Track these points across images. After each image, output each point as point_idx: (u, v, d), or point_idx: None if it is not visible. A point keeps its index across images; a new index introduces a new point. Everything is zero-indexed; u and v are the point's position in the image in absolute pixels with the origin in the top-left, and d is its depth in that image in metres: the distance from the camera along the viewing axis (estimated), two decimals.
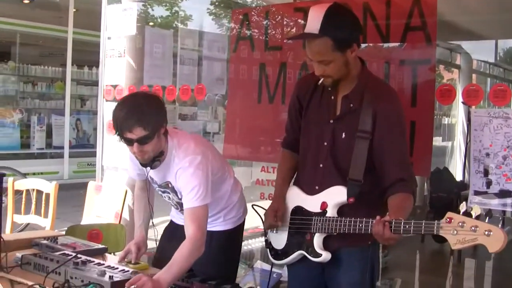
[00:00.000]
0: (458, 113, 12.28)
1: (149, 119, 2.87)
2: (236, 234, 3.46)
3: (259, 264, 4.98)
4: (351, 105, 2.85)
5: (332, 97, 2.91)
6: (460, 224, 2.33)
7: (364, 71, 2.90)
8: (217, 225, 3.36)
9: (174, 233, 3.44)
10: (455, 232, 2.34)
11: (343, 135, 2.86)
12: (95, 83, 12.76)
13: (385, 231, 2.53)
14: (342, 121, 2.88)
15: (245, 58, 4.87)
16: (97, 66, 12.46)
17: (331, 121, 2.90)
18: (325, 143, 2.91)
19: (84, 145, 12.66)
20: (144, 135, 2.87)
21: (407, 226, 2.50)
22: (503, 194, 3.42)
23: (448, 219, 2.36)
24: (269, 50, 4.68)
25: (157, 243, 3.52)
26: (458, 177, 9.47)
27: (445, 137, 12.59)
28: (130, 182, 5.35)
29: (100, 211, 5.16)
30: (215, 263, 3.25)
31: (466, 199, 7.45)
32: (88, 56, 12.75)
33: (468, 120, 9.56)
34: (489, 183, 3.45)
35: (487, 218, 2.14)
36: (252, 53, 4.78)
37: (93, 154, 11.95)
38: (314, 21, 2.73)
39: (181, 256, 2.82)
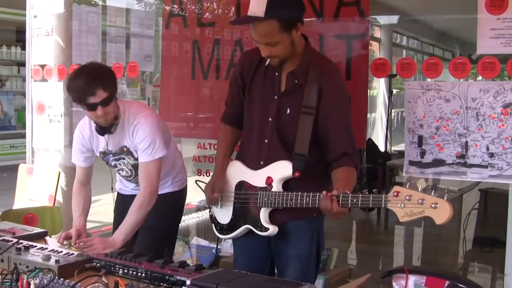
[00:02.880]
0: (379, 85, 12.58)
1: (108, 81, 3.11)
2: (181, 195, 3.70)
3: (195, 240, 5.01)
4: (296, 81, 2.88)
5: (277, 73, 2.93)
6: (407, 197, 2.40)
7: (308, 48, 2.92)
8: (165, 188, 3.58)
9: (126, 205, 3.49)
10: (403, 205, 2.41)
11: (288, 111, 2.89)
12: (14, 63, 12.45)
13: (333, 205, 2.58)
14: (286, 97, 2.91)
15: (178, 35, 4.84)
16: (16, 45, 12.26)
17: (276, 97, 2.93)
18: (270, 119, 2.93)
19: (6, 127, 12.28)
20: (106, 97, 3.08)
21: (354, 200, 2.56)
22: (436, 163, 3.55)
23: (395, 193, 2.43)
24: (202, 26, 4.66)
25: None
26: (381, 147, 9.74)
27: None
28: (62, 164, 5.27)
29: (33, 194, 5.07)
30: (162, 224, 3.50)
31: (391, 169, 7.72)
32: (6, 35, 12.35)
33: (390, 92, 9.74)
34: (423, 153, 3.58)
35: (433, 191, 2.21)
36: (185, 29, 4.75)
37: (15, 136, 11.86)
38: (258, 3, 2.70)
39: (131, 212, 3.18)
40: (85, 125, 3.38)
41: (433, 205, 2.35)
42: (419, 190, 2.39)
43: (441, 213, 2.34)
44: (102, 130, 3.25)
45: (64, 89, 5.01)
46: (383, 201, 2.47)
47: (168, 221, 3.58)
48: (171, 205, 3.58)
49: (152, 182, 3.23)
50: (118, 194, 3.75)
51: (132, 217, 3.17)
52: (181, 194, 3.70)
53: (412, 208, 2.39)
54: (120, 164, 3.45)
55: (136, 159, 3.33)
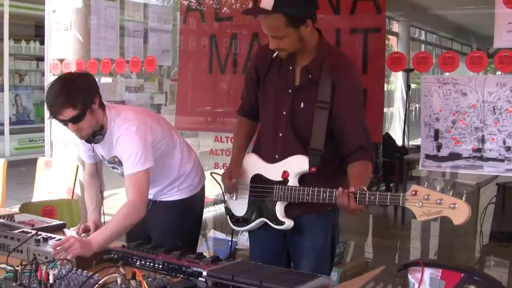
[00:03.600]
0: (397, 80, 12.53)
1: (76, 99, 2.92)
2: (192, 202, 3.47)
3: (212, 233, 5.04)
4: (310, 76, 2.89)
5: (291, 67, 2.94)
6: (425, 197, 2.40)
7: (322, 42, 2.93)
8: (172, 195, 3.41)
9: None
10: (421, 204, 2.41)
11: (302, 105, 2.91)
12: (33, 58, 12.54)
13: (351, 202, 2.59)
14: (301, 91, 2.92)
15: (195, 29, 4.87)
16: (35, 40, 12.35)
17: (290, 91, 2.94)
18: (284, 113, 2.95)
19: (25, 121, 12.39)
20: (75, 115, 2.93)
21: (372, 198, 2.56)
22: (452, 157, 3.55)
23: (413, 192, 2.43)
24: (220, 21, 4.68)
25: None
26: (399, 142, 9.72)
27: (384, 104, 12.79)
28: (80, 157, 5.31)
29: (52, 187, 5.10)
30: (172, 232, 3.33)
31: (408, 164, 7.71)
32: (25, 29, 12.43)
33: (408, 86, 9.69)
34: (439, 147, 3.58)
35: (451, 191, 2.22)
36: (203, 24, 4.78)
37: (34, 130, 11.95)
38: None
39: (116, 220, 2.91)
40: None
41: (451, 206, 2.35)
42: (437, 189, 2.39)
43: (459, 213, 2.34)
44: (87, 139, 3.12)
45: None
46: (401, 199, 2.48)
47: (179, 230, 3.37)
48: (180, 213, 3.40)
49: (140, 191, 2.99)
50: None
51: (115, 226, 2.89)
52: (193, 200, 3.46)
53: (430, 208, 2.39)
54: (117, 173, 3.34)
55: None
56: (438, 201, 2.38)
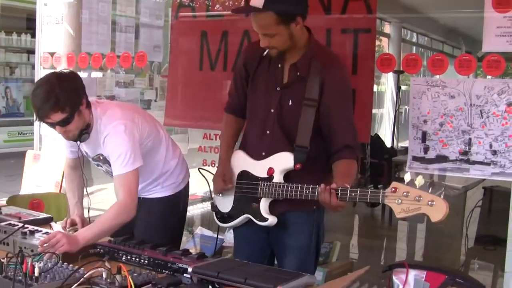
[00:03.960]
0: (387, 81, 12.59)
1: (64, 102, 2.84)
2: (176, 200, 3.45)
3: (199, 230, 5.04)
4: (298, 73, 2.90)
5: (279, 65, 2.96)
6: (404, 194, 2.42)
7: (311, 40, 2.94)
8: (156, 192, 3.40)
9: None
10: (400, 201, 2.43)
11: (290, 103, 2.92)
12: (24, 50, 12.51)
13: (332, 198, 2.61)
14: (289, 89, 2.93)
15: (186, 26, 4.87)
16: (26, 33, 12.32)
17: (278, 89, 2.95)
18: (272, 110, 2.96)
19: (15, 114, 12.35)
20: (63, 118, 2.87)
21: (353, 194, 2.58)
22: (439, 159, 3.58)
23: (393, 189, 2.45)
24: (211, 17, 4.69)
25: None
26: (388, 143, 9.75)
27: (374, 105, 12.85)
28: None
29: (40, 180, 5.10)
30: (155, 230, 3.32)
31: (397, 165, 7.74)
32: (16, 22, 12.40)
33: (398, 88, 9.72)
34: (426, 149, 3.60)
35: (430, 188, 2.23)
36: (194, 20, 4.78)
37: (24, 123, 11.93)
38: None
39: (106, 218, 2.88)
40: None
41: (429, 203, 2.36)
42: (417, 187, 2.41)
43: (437, 211, 2.35)
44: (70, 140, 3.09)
45: None
46: (380, 196, 2.50)
47: (162, 228, 3.36)
48: (163, 211, 3.38)
49: (130, 192, 2.95)
50: None
51: (104, 224, 2.86)
52: (177, 198, 3.45)
53: (409, 205, 2.41)
54: (101, 170, 3.31)
55: None
56: (417, 198, 2.39)
